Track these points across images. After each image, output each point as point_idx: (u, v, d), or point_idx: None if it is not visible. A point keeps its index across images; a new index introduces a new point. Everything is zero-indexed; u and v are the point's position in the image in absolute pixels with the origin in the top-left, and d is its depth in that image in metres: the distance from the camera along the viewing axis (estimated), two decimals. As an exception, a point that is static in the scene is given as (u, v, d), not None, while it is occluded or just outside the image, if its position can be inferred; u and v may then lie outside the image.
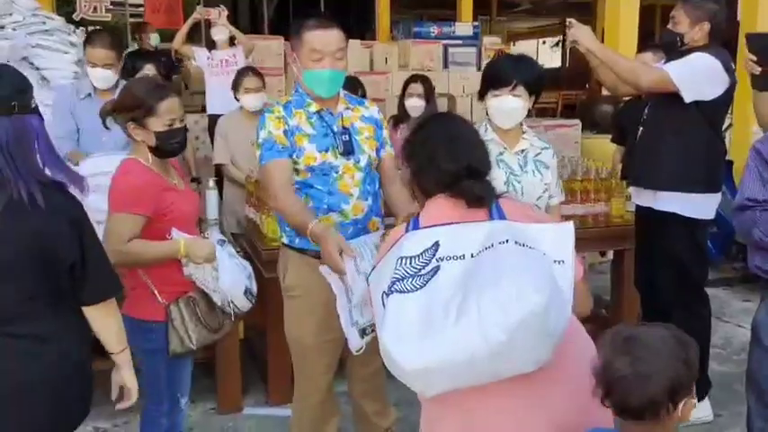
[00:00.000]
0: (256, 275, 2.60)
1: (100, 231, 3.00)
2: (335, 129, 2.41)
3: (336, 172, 2.39)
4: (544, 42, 20.61)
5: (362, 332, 2.26)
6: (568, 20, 3.17)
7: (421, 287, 1.53)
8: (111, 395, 2.01)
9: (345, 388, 2.74)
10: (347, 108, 2.49)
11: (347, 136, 2.42)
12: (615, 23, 6.15)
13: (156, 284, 2.30)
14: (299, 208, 2.33)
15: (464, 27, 7.84)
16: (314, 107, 2.42)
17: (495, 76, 2.49)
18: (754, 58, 2.60)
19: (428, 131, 1.85)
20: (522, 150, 2.56)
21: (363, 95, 4.01)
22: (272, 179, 2.36)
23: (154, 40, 7.07)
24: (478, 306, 1.47)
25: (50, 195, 1.71)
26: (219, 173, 4.42)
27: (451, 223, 1.65)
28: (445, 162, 1.73)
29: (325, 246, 2.15)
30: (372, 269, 1.75)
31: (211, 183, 3.75)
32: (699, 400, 3.12)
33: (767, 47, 2.60)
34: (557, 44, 19.76)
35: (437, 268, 1.55)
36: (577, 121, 5.42)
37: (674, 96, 3.03)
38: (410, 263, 1.57)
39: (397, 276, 1.56)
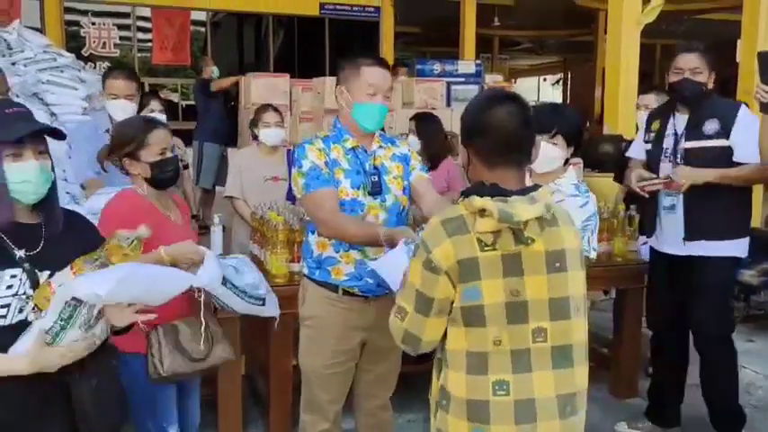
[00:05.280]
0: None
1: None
2: (367, 167, 2.47)
3: (362, 210, 2.42)
4: (545, 80, 20.87)
5: None
6: (671, 173, 3.11)
7: None
8: None
9: (352, 425, 2.74)
10: (380, 147, 2.54)
11: (377, 176, 2.46)
12: (616, 63, 6.14)
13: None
14: (359, 223, 2.37)
15: (467, 65, 7.95)
16: (350, 143, 2.47)
17: (537, 123, 2.35)
18: (766, 88, 2.68)
19: None
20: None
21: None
22: (322, 207, 2.37)
23: (214, 72, 7.24)
24: None
25: None
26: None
27: None
28: None
29: (399, 235, 2.16)
30: None
31: (216, 219, 3.77)
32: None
33: None
34: (557, 82, 19.99)
35: None
36: (580, 160, 5.43)
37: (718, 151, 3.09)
38: None
39: None
